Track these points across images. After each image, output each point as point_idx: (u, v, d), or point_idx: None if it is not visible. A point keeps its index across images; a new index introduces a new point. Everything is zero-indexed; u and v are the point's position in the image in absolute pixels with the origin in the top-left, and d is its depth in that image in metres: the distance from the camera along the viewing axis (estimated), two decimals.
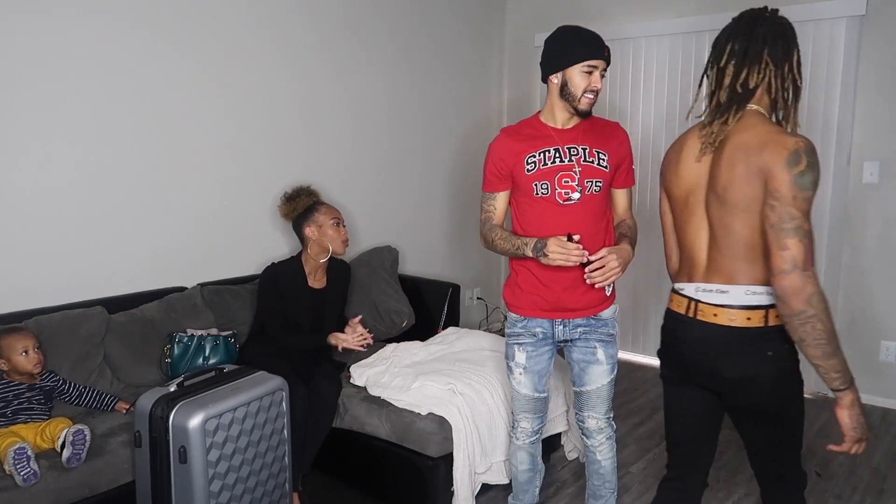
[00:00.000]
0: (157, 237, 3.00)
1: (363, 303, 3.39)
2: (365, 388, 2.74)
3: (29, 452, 2.04)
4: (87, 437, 2.13)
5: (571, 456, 2.99)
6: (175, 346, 2.75)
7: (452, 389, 2.56)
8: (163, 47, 2.93)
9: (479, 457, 2.51)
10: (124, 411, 2.47)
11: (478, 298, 4.86)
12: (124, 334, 2.71)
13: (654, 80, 4.23)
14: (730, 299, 1.61)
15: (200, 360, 2.76)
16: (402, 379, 2.69)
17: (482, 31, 4.66)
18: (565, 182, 2.07)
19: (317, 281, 2.90)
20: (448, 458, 2.48)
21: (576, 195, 2.07)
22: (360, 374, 2.81)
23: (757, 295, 1.58)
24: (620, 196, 2.22)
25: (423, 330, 3.42)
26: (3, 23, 2.46)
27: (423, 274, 4.35)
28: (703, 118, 1.77)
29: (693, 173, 1.70)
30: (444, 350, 3.00)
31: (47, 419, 2.28)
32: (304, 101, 3.56)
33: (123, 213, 2.87)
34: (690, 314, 1.73)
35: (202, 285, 3.06)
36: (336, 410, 2.69)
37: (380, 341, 3.34)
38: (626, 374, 4.22)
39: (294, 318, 2.81)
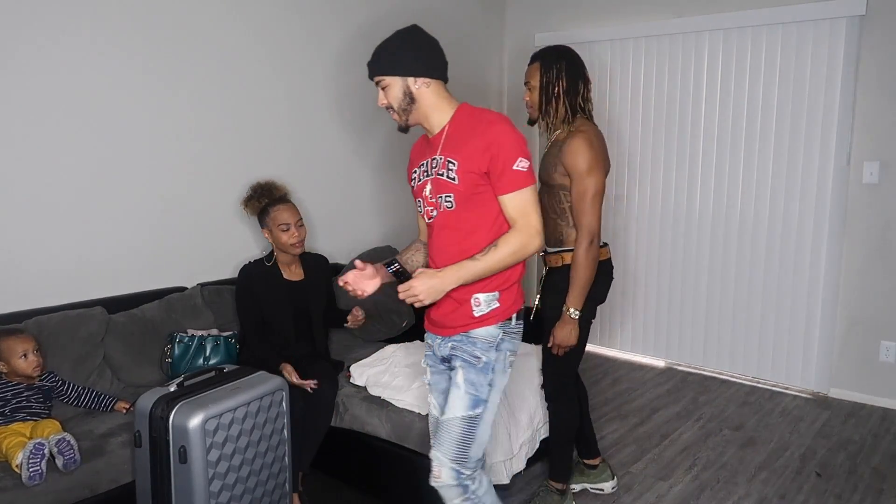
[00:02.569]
0: (158, 237, 3.00)
1: (363, 303, 3.39)
2: (365, 388, 2.74)
3: (45, 451, 2.04)
4: (73, 444, 2.12)
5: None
6: (175, 346, 2.75)
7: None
8: (163, 48, 2.93)
9: None
10: (124, 411, 2.47)
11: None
12: (124, 334, 2.71)
13: (654, 80, 4.23)
14: None
15: (201, 360, 2.76)
16: (402, 379, 2.69)
17: (482, 31, 4.66)
18: (428, 199, 1.90)
19: (293, 273, 2.89)
20: None
21: (434, 213, 1.89)
22: (360, 374, 2.81)
23: None
24: (504, 204, 1.81)
25: (423, 330, 3.41)
26: (2, 23, 2.46)
27: None
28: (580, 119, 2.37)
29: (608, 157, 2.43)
30: None
31: (45, 419, 2.28)
32: (301, 101, 3.56)
33: (124, 213, 2.87)
34: (608, 258, 2.54)
35: (202, 285, 3.06)
36: (334, 410, 2.69)
37: (380, 341, 3.34)
38: (626, 373, 4.22)
39: (273, 314, 2.79)
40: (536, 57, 2.43)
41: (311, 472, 2.71)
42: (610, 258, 2.53)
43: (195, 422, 2.06)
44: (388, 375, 2.74)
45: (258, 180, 3.03)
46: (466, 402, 1.85)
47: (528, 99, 2.46)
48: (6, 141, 2.52)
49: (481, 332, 1.87)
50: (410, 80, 1.90)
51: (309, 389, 2.60)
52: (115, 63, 2.78)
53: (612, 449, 3.19)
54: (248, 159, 3.31)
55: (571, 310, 2.34)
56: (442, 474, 1.88)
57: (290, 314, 2.83)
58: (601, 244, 2.43)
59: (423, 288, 1.76)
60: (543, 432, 2.78)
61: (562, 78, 2.36)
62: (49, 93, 2.61)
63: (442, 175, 1.84)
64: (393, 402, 2.59)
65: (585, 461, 2.79)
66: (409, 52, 1.92)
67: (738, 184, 4.00)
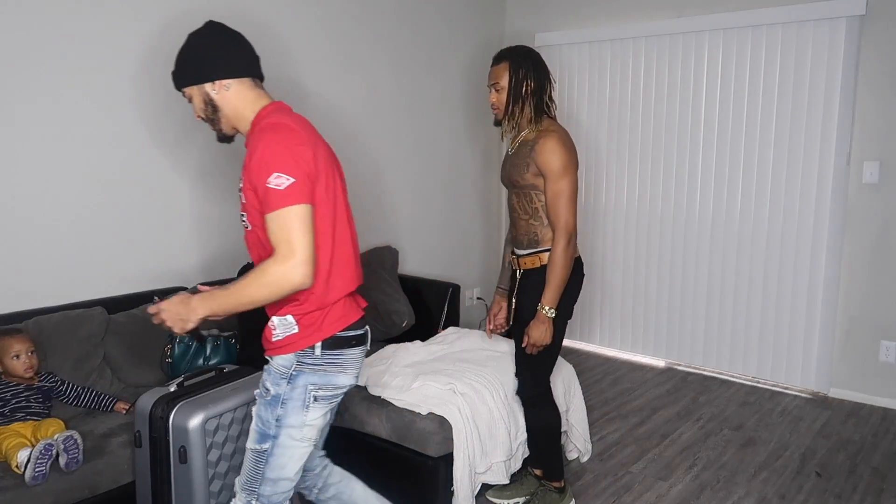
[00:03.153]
0: (158, 237, 3.00)
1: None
2: (365, 388, 2.74)
3: (53, 452, 2.04)
4: (79, 442, 2.12)
5: (571, 456, 2.99)
6: (175, 346, 2.75)
7: (452, 389, 2.56)
8: (170, 44, 2.93)
9: (479, 457, 2.51)
10: (124, 412, 2.47)
11: (478, 298, 4.86)
12: (124, 334, 2.71)
13: (654, 80, 4.23)
14: None
15: (201, 360, 2.76)
16: (402, 379, 2.69)
17: (482, 30, 4.66)
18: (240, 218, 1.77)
19: None
20: (448, 458, 2.48)
21: (244, 233, 1.77)
22: (361, 374, 2.81)
23: None
24: (266, 226, 1.59)
25: (423, 330, 3.42)
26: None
27: (423, 274, 4.35)
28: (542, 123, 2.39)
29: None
30: (444, 350, 3.00)
31: (44, 419, 2.28)
32: (301, 100, 3.56)
33: (124, 213, 2.87)
34: (579, 255, 2.48)
35: (202, 285, 3.05)
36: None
37: (380, 341, 3.34)
38: (626, 373, 4.23)
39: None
40: (503, 57, 2.39)
41: None
42: (580, 255, 2.51)
43: (195, 422, 2.07)
44: (388, 375, 2.74)
45: None
46: (254, 435, 1.74)
47: (494, 101, 2.41)
48: (6, 142, 2.52)
49: (277, 360, 1.71)
50: (208, 85, 1.69)
51: None
52: (114, 62, 2.78)
53: (612, 449, 3.19)
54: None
55: (547, 308, 2.33)
56: (236, 499, 1.77)
57: None
58: None
59: (168, 314, 1.63)
60: None
61: (529, 78, 2.34)
62: (46, 91, 2.60)
63: (239, 193, 1.69)
64: (393, 402, 2.59)
65: (536, 471, 2.67)
66: (202, 55, 1.70)
67: (738, 184, 4.01)
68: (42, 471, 2.01)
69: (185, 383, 2.23)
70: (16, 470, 2.04)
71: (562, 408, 2.87)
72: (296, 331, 1.67)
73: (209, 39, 1.72)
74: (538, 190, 2.36)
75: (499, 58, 2.42)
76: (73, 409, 2.47)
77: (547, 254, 2.37)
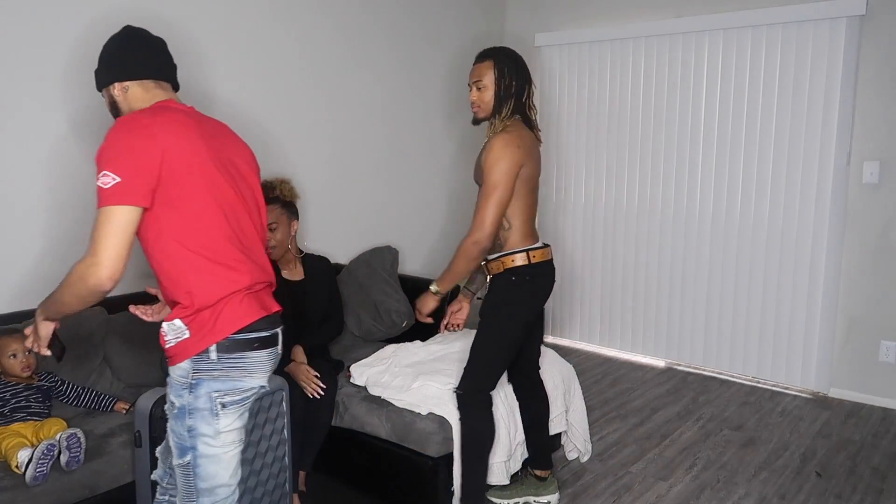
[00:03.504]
0: None
1: (363, 303, 3.39)
2: (365, 388, 2.74)
3: (55, 452, 2.04)
4: (82, 440, 2.12)
5: (571, 456, 2.99)
6: None
7: (452, 389, 2.56)
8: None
9: None
10: (124, 412, 2.47)
11: (478, 298, 4.85)
12: (124, 334, 2.71)
13: (655, 80, 4.23)
14: None
15: None
16: (402, 379, 2.69)
17: (481, 29, 4.66)
18: None
19: (293, 273, 2.88)
20: (448, 458, 2.48)
21: None
22: (360, 373, 2.81)
23: None
24: None
25: (423, 330, 3.41)
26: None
27: (423, 274, 4.35)
28: (505, 119, 2.35)
29: (537, 159, 2.40)
30: (444, 350, 3.00)
31: (44, 418, 2.28)
32: (302, 100, 3.56)
33: None
34: (550, 258, 2.43)
35: None
36: (334, 410, 2.69)
37: (380, 341, 3.34)
38: (626, 373, 4.22)
39: None
40: (487, 55, 2.36)
41: (311, 472, 2.71)
42: (550, 260, 2.42)
43: None
44: (388, 375, 2.74)
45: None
46: (174, 451, 1.66)
47: (476, 98, 2.37)
48: (4, 140, 2.52)
49: (175, 370, 1.62)
50: (114, 86, 1.70)
51: (310, 394, 2.59)
52: None
53: (612, 449, 3.19)
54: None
55: (433, 286, 2.39)
56: None
57: (288, 314, 2.82)
58: (541, 245, 2.39)
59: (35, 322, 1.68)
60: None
61: (514, 78, 2.32)
62: (47, 88, 2.60)
63: None
64: (393, 402, 2.59)
65: (536, 472, 2.67)
66: (109, 58, 1.72)
67: (738, 184, 4.01)
68: (43, 471, 2.01)
69: None
70: (16, 470, 2.04)
71: (561, 408, 2.87)
72: (187, 335, 1.59)
73: (118, 42, 1.74)
74: None
75: (482, 56, 2.39)
76: (73, 409, 2.47)
77: (511, 256, 2.32)
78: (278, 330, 1.73)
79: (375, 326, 3.38)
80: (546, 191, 4.78)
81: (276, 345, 1.72)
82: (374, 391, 2.68)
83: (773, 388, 3.96)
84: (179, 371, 1.61)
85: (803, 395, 3.86)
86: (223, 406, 1.61)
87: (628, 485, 2.87)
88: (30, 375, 2.34)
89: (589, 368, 4.31)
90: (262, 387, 1.70)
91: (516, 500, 2.67)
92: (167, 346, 1.62)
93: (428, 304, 2.44)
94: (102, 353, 2.66)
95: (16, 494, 1.98)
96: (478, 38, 4.61)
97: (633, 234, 4.45)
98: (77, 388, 2.46)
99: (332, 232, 3.74)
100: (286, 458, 2.39)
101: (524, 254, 2.32)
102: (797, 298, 3.87)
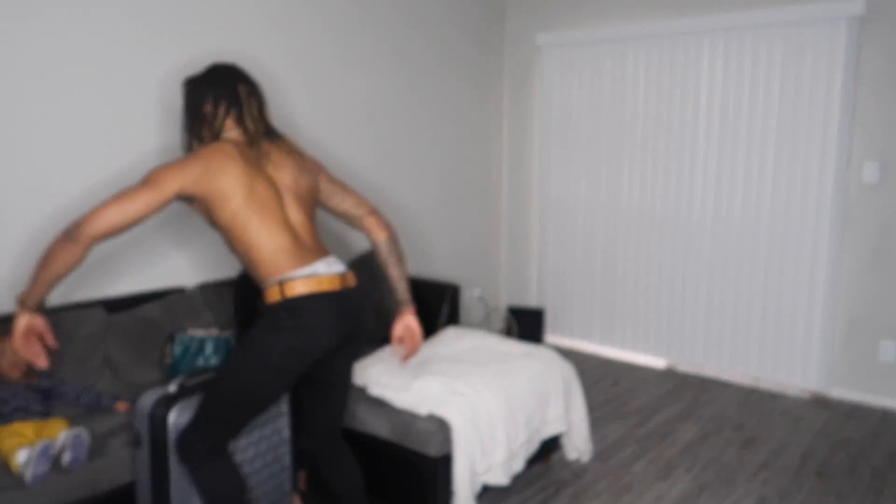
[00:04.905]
0: (158, 237, 3.00)
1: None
2: (365, 388, 2.74)
3: (51, 452, 2.04)
4: (86, 440, 2.13)
5: (571, 456, 2.99)
6: (175, 346, 2.75)
7: (452, 389, 2.56)
8: (167, 45, 2.93)
9: (479, 457, 2.51)
10: (124, 411, 2.47)
11: (478, 298, 4.86)
12: (124, 334, 2.71)
13: (655, 80, 4.23)
14: (342, 266, 2.00)
15: (200, 360, 2.76)
16: (402, 379, 2.69)
17: (481, 29, 4.66)
18: None
19: None
20: (448, 458, 2.48)
21: None
22: (361, 374, 2.81)
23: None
24: None
25: (423, 330, 3.42)
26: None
27: (423, 274, 4.36)
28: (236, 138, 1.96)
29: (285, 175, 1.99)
30: (444, 350, 3.00)
31: (44, 418, 2.28)
32: (303, 100, 3.56)
33: None
34: (344, 286, 1.95)
35: (202, 285, 3.06)
36: None
37: (380, 341, 3.34)
38: (626, 374, 4.23)
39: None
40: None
41: (312, 471, 2.71)
42: (329, 292, 1.89)
43: None
44: (388, 375, 2.74)
45: None
46: None
47: None
48: (6, 140, 2.52)
49: None
50: None
51: None
52: (115, 58, 2.78)
53: (612, 449, 3.19)
54: None
55: (18, 299, 1.76)
56: None
57: None
58: (307, 272, 1.88)
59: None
60: (543, 433, 2.78)
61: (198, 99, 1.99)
62: (49, 87, 2.60)
63: None
64: (393, 403, 2.59)
65: None
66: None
67: (738, 184, 4.01)
68: (42, 471, 2.01)
69: (185, 383, 2.23)
70: (15, 470, 2.04)
71: (561, 408, 2.87)
72: None
73: None
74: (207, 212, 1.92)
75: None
76: (73, 408, 2.47)
77: (267, 291, 1.89)
78: None
79: (375, 326, 3.38)
80: (546, 190, 4.79)
81: None
82: (374, 391, 2.68)
83: (773, 389, 3.96)
84: None
85: (803, 395, 3.86)
86: None
87: (628, 485, 2.87)
88: (22, 376, 2.34)
89: (589, 368, 4.31)
90: None
91: None
92: None
93: (19, 321, 1.75)
94: (102, 353, 2.66)
95: (16, 494, 1.98)
96: (477, 38, 4.61)
97: (633, 235, 4.45)
98: (77, 387, 2.46)
99: (332, 232, 3.75)
100: (286, 458, 2.39)
101: (277, 287, 1.86)
102: (797, 298, 3.87)
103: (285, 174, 1.96)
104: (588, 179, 4.60)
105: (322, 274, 1.89)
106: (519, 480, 2.90)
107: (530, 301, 5.04)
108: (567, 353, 4.64)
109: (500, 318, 5.12)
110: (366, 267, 3.53)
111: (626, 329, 4.56)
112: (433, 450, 2.45)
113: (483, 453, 2.53)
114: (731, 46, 3.93)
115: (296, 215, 1.96)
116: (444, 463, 2.47)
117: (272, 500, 2.34)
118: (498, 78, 4.86)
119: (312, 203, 2.03)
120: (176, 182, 1.79)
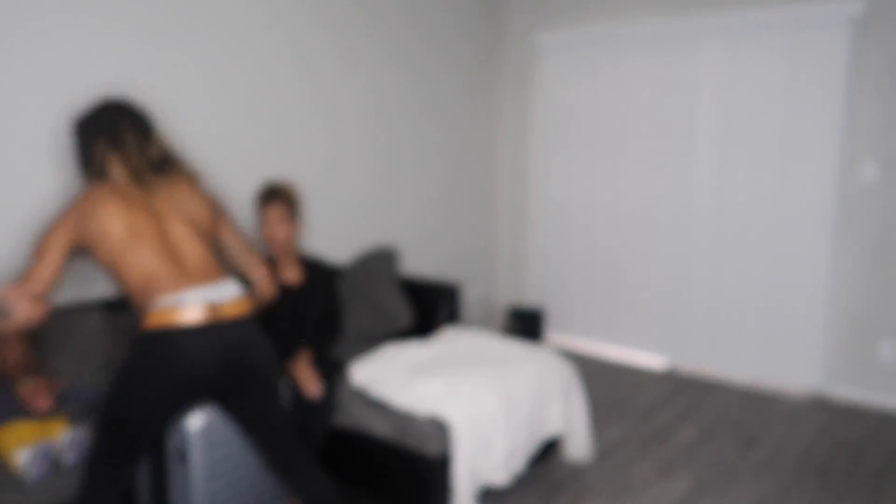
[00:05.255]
0: None
1: (363, 303, 3.40)
2: (365, 388, 2.74)
3: (52, 452, 2.04)
4: (87, 441, 2.13)
5: (571, 456, 2.99)
6: None
7: (452, 389, 2.56)
8: (168, 45, 2.93)
9: (478, 457, 2.52)
10: None
11: (478, 298, 4.86)
12: (125, 335, 2.71)
13: (654, 80, 4.23)
14: (231, 291, 1.92)
15: None
16: (402, 379, 2.69)
17: (481, 29, 4.66)
18: None
19: (290, 275, 2.88)
20: (448, 458, 2.48)
21: None
22: (360, 374, 2.81)
23: None
24: None
25: (422, 330, 3.42)
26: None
27: (423, 274, 4.36)
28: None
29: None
30: (444, 350, 3.00)
31: (46, 419, 2.27)
32: (304, 99, 3.56)
33: None
34: (216, 317, 1.83)
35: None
36: (333, 410, 2.69)
37: (380, 341, 3.34)
38: (626, 374, 4.23)
39: (270, 317, 2.79)
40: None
41: None
42: (200, 324, 1.78)
43: (195, 423, 2.07)
44: (387, 375, 2.75)
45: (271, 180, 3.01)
46: None
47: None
48: (6, 140, 2.52)
49: None
50: None
51: (309, 395, 2.59)
52: (118, 61, 2.78)
53: (612, 449, 3.19)
54: (247, 156, 3.31)
55: None
56: None
57: (285, 317, 2.83)
58: (171, 304, 1.77)
59: None
60: (543, 433, 2.79)
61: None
62: (49, 88, 2.61)
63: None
64: (393, 403, 2.59)
65: None
66: None
67: (738, 184, 4.01)
68: (43, 471, 2.01)
69: None
70: (16, 470, 2.04)
71: (561, 408, 2.87)
72: None
73: None
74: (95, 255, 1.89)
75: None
76: (75, 409, 2.46)
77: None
78: None
79: (375, 326, 3.38)
80: (546, 190, 4.79)
81: None
82: (373, 391, 2.68)
83: (773, 388, 3.96)
84: None
85: (803, 395, 3.86)
86: None
87: (628, 485, 2.87)
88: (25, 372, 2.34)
89: (589, 368, 4.31)
90: None
91: None
92: None
93: None
94: (103, 353, 2.66)
95: (16, 494, 1.98)
96: (477, 38, 4.61)
97: (633, 235, 4.45)
98: (77, 387, 2.46)
99: (332, 232, 3.75)
100: None
101: (143, 318, 1.81)
102: (797, 298, 3.87)
103: (173, 204, 1.90)
104: (588, 179, 4.60)
105: (190, 304, 1.78)
106: (519, 480, 2.90)
107: (530, 301, 5.04)
108: (567, 353, 4.64)
109: (500, 318, 5.12)
110: (366, 267, 3.53)
111: (626, 329, 4.56)
112: (433, 450, 2.45)
113: (483, 453, 2.54)
114: (731, 46, 3.93)
115: (184, 242, 1.88)
116: (443, 463, 2.47)
117: (272, 500, 2.34)
118: (498, 78, 4.86)
119: (208, 230, 1.97)
120: (60, 243, 1.74)
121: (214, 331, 1.80)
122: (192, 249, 1.89)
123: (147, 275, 1.79)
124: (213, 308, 1.81)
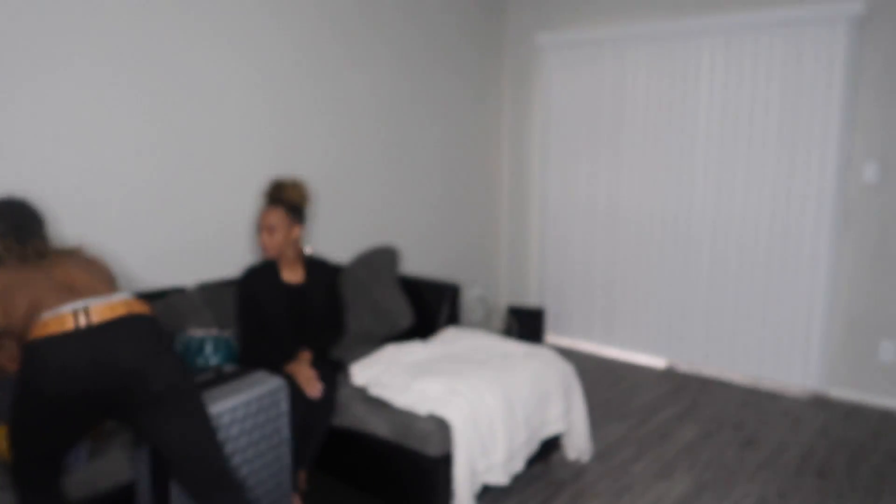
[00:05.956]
0: (158, 237, 3.00)
1: (363, 303, 3.39)
2: (365, 388, 2.74)
3: None
4: (86, 440, 2.13)
5: (571, 456, 2.99)
6: (175, 345, 2.74)
7: (452, 389, 2.56)
8: (168, 46, 2.93)
9: (479, 457, 2.52)
10: None
11: (478, 298, 4.86)
12: None
13: (655, 80, 4.23)
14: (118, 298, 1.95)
15: (200, 359, 2.76)
16: (402, 379, 2.69)
17: (482, 29, 4.66)
18: None
19: (292, 274, 2.88)
20: (448, 458, 2.48)
21: None
22: (360, 374, 2.81)
23: None
24: None
25: (423, 330, 3.42)
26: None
27: (423, 274, 4.36)
28: None
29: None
30: (444, 350, 3.00)
31: None
32: (304, 99, 3.56)
33: (124, 213, 2.87)
34: (84, 323, 1.82)
35: (202, 285, 3.06)
36: (333, 409, 2.69)
37: (380, 341, 3.34)
38: (626, 374, 4.23)
39: (270, 316, 2.79)
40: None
41: (312, 471, 2.71)
42: (67, 330, 1.77)
43: None
44: (388, 375, 2.74)
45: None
46: None
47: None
48: (8, 141, 2.52)
49: None
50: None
51: (310, 395, 2.59)
52: (118, 63, 2.78)
53: (612, 449, 3.19)
54: (249, 157, 3.31)
55: None
56: None
57: (287, 316, 2.83)
58: (51, 314, 1.80)
59: None
60: (543, 433, 2.79)
61: None
62: (50, 91, 2.60)
63: None
64: (393, 403, 2.59)
65: None
66: None
67: (738, 184, 4.01)
68: None
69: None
70: None
71: (561, 408, 2.87)
72: None
73: None
74: None
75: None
76: None
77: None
78: None
79: (375, 326, 3.38)
80: (546, 190, 4.79)
81: None
82: (374, 391, 2.68)
83: (773, 388, 3.96)
84: None
85: (803, 395, 3.86)
86: None
87: (628, 485, 2.87)
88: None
89: (589, 368, 4.31)
90: None
91: None
92: None
93: None
94: None
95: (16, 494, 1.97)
96: (478, 38, 4.61)
97: (633, 235, 4.45)
98: None
99: (333, 232, 3.75)
100: (286, 458, 2.39)
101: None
102: (797, 298, 3.87)
103: (64, 261, 1.99)
104: (588, 179, 4.60)
105: (61, 312, 1.77)
106: (519, 480, 2.90)
107: (530, 301, 5.04)
108: (567, 353, 4.64)
109: (500, 318, 5.12)
110: (366, 267, 3.53)
111: (626, 329, 4.56)
112: (433, 450, 2.45)
113: (483, 453, 2.54)
114: (731, 46, 3.93)
115: (75, 272, 1.95)
116: (444, 463, 2.47)
117: (272, 500, 2.34)
118: (498, 78, 4.86)
119: (100, 263, 2.07)
120: None
121: (82, 335, 1.78)
122: (79, 275, 1.95)
123: (34, 301, 1.83)
124: (84, 313, 1.80)
